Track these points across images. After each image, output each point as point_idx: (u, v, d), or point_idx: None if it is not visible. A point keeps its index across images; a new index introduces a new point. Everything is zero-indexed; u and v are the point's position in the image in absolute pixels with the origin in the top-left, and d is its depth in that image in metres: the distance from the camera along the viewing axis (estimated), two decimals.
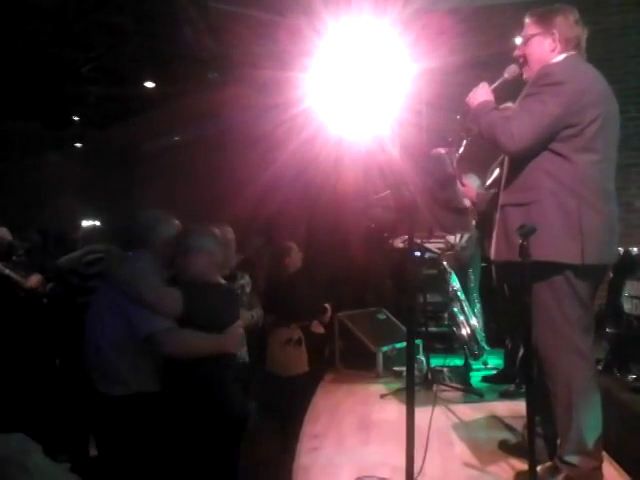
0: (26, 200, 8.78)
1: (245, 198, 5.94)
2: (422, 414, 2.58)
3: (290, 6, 5.42)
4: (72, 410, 3.98)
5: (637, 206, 5.79)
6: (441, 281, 4.59)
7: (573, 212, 2.40)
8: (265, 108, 6.51)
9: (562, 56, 2.55)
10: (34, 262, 4.89)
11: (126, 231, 2.85)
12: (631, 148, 5.40)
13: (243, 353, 3.38)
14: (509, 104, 2.85)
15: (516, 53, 2.69)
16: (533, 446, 2.17)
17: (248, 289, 3.86)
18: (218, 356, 2.51)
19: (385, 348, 4.65)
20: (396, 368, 4.54)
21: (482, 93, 2.64)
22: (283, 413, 3.96)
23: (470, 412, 3.66)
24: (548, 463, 2.54)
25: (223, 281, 2.76)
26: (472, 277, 4.97)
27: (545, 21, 2.58)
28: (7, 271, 4.37)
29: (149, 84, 7.57)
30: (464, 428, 3.39)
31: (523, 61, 2.66)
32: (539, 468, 2.40)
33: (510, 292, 3.87)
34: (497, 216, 2.66)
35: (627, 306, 3.69)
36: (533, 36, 2.60)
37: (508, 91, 2.74)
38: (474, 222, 3.73)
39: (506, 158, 2.67)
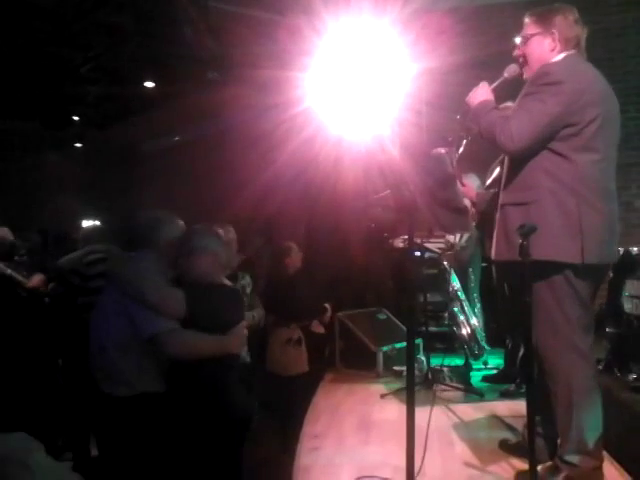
0: (26, 200, 8.78)
1: (245, 198, 5.94)
2: (422, 414, 2.58)
3: (290, 6, 5.42)
4: (74, 410, 3.99)
5: (637, 205, 5.79)
6: (441, 281, 4.60)
7: (573, 211, 2.40)
8: (265, 108, 6.51)
9: (562, 55, 2.55)
10: (36, 262, 4.90)
11: (129, 231, 2.84)
12: (631, 147, 5.39)
13: (244, 354, 3.38)
14: (509, 103, 2.85)
15: (516, 53, 2.69)
16: (533, 446, 2.17)
17: (249, 289, 3.87)
18: (221, 357, 2.51)
19: (385, 348, 4.65)
20: (396, 368, 4.54)
21: (482, 92, 2.65)
22: (283, 413, 3.96)
23: (470, 412, 3.66)
24: (549, 463, 2.54)
25: (228, 282, 2.76)
26: (472, 277, 4.96)
27: (544, 21, 2.58)
28: (9, 271, 4.37)
29: (149, 84, 7.57)
30: (464, 428, 3.39)
31: (523, 61, 2.66)
32: (539, 468, 2.40)
33: (510, 292, 3.87)
34: (497, 216, 2.66)
35: (627, 306, 3.69)
36: (533, 36, 2.60)
37: (508, 91, 2.74)
38: (474, 222, 3.74)
39: (506, 157, 2.67)
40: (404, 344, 3.53)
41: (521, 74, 2.68)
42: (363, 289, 5.90)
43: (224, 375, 2.54)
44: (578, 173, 2.42)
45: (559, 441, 2.52)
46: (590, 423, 2.42)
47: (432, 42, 4.96)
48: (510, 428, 3.30)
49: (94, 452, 3.92)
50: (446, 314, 4.61)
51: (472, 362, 4.38)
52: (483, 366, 4.55)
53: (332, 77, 4.33)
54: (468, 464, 2.84)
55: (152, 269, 2.55)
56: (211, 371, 2.48)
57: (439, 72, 4.71)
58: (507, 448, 2.92)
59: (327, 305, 4.74)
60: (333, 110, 4.50)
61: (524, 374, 3.48)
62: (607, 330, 3.80)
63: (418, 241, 4.08)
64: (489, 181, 3.90)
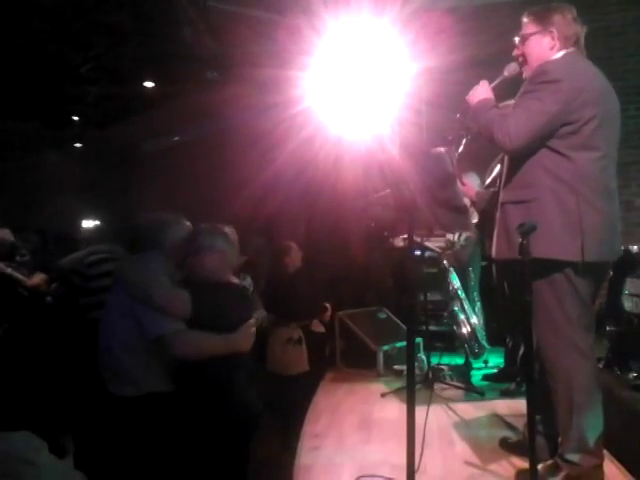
0: (26, 200, 8.77)
1: (245, 197, 5.94)
2: (423, 413, 2.58)
3: (289, 5, 5.42)
4: (75, 409, 3.99)
5: (637, 204, 5.79)
6: (441, 280, 4.60)
7: (573, 209, 2.40)
8: (265, 107, 6.51)
9: (561, 53, 2.55)
10: (38, 262, 4.91)
11: (133, 233, 2.85)
12: (631, 146, 5.39)
13: None
14: (510, 102, 2.85)
15: (515, 53, 2.68)
16: (534, 444, 2.17)
17: (250, 291, 3.87)
18: (227, 356, 2.51)
19: (386, 347, 4.65)
20: (397, 367, 4.54)
21: (482, 91, 2.65)
22: (284, 412, 3.95)
23: (471, 410, 3.66)
24: (549, 461, 2.54)
25: (235, 280, 2.76)
26: (472, 275, 4.96)
27: (543, 19, 2.58)
28: (9, 270, 4.38)
29: (148, 84, 7.56)
30: (465, 426, 3.39)
31: (522, 60, 2.66)
32: (540, 466, 2.41)
33: (510, 290, 3.87)
34: (497, 214, 2.66)
35: (627, 304, 3.69)
36: (531, 35, 2.60)
37: (508, 89, 2.74)
38: (474, 221, 3.74)
39: (506, 156, 2.68)
40: (404, 343, 3.53)
41: (521, 73, 2.68)
42: (363, 288, 5.91)
43: (230, 374, 2.54)
44: (578, 171, 2.42)
45: (560, 440, 2.52)
46: (591, 422, 2.42)
47: (431, 41, 4.96)
48: (510, 427, 3.30)
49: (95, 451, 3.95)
50: (446, 313, 4.61)
51: (472, 361, 4.38)
52: (483, 365, 4.55)
53: (332, 76, 4.34)
54: (469, 463, 2.84)
55: (158, 271, 2.56)
56: (217, 370, 2.48)
57: (439, 71, 4.71)
58: (507, 447, 2.92)
59: (327, 304, 4.74)
60: (333, 109, 4.51)
61: (524, 373, 3.48)
62: (607, 328, 3.81)
63: (418, 240, 4.08)
64: (489, 180, 3.90)
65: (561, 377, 2.46)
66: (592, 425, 2.43)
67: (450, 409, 3.68)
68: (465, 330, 4.36)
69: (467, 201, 3.07)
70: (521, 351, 3.93)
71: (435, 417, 3.40)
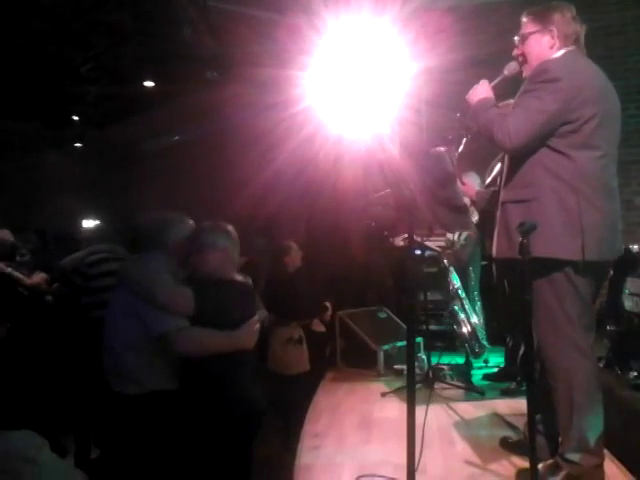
0: (26, 200, 8.78)
1: (245, 197, 5.94)
2: (423, 412, 2.58)
3: (289, 4, 5.41)
4: (76, 408, 4.00)
5: (637, 203, 5.79)
6: (442, 279, 4.60)
7: (573, 209, 2.39)
8: (265, 107, 6.52)
9: (561, 52, 2.54)
10: (39, 262, 4.92)
11: (135, 232, 2.85)
12: (631, 145, 5.39)
13: None
14: (510, 101, 2.84)
15: (515, 52, 2.68)
16: (534, 444, 2.17)
17: None
18: (231, 353, 2.51)
19: (386, 346, 4.65)
20: (397, 366, 4.54)
21: (482, 90, 2.64)
22: (284, 412, 3.96)
23: (471, 410, 3.66)
24: (549, 461, 2.54)
25: (239, 277, 2.76)
26: (472, 275, 4.96)
27: (542, 19, 2.58)
28: (8, 269, 4.39)
29: (148, 83, 7.56)
30: (465, 426, 3.39)
31: (522, 60, 2.66)
32: (540, 466, 2.41)
33: (511, 289, 3.87)
34: (498, 213, 2.66)
35: (628, 304, 3.69)
36: (531, 34, 2.59)
37: (508, 88, 2.74)
38: (475, 221, 3.74)
39: (506, 155, 2.67)
40: (405, 343, 3.53)
41: (521, 72, 2.68)
42: (363, 288, 5.90)
43: (234, 371, 2.54)
44: (578, 170, 2.41)
45: (560, 439, 2.52)
46: (591, 421, 2.42)
47: (431, 41, 4.97)
48: (511, 426, 3.30)
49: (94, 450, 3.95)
50: (446, 312, 4.61)
51: (473, 360, 4.38)
52: (484, 364, 4.55)
53: (332, 76, 4.34)
54: (469, 462, 2.84)
55: (161, 269, 2.56)
56: (220, 368, 2.48)
57: (438, 71, 4.71)
58: (508, 446, 2.92)
59: (327, 303, 4.74)
60: (333, 109, 4.51)
61: (525, 372, 3.48)
62: (607, 328, 3.81)
63: (418, 239, 4.08)
64: (489, 179, 3.90)
65: (561, 376, 2.46)
66: (592, 424, 2.42)
67: (450, 409, 3.67)
68: (465, 329, 4.36)
69: (467, 200, 3.07)
70: (521, 350, 3.93)
71: (435, 417, 3.40)
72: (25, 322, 4.42)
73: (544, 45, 2.56)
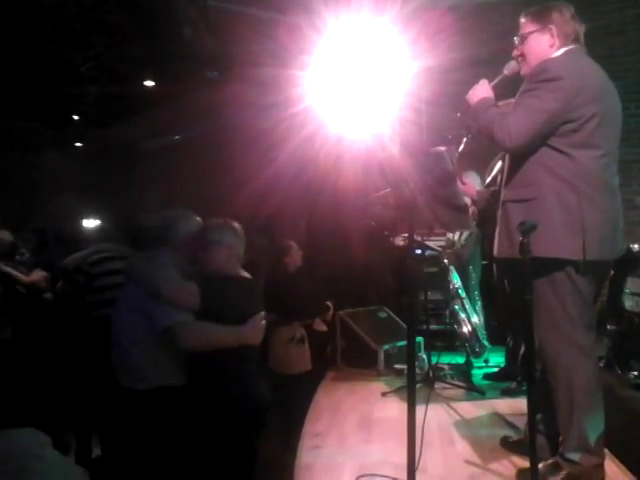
0: (26, 200, 8.78)
1: (245, 196, 5.94)
2: (423, 412, 2.58)
3: (290, 4, 5.41)
4: (83, 405, 4.01)
5: (638, 203, 5.78)
6: (442, 279, 4.59)
7: (574, 208, 2.39)
8: (265, 106, 6.51)
9: (561, 51, 2.54)
10: (39, 261, 4.93)
11: (140, 231, 2.87)
12: (631, 145, 5.38)
13: None
14: (510, 101, 2.84)
15: (515, 53, 2.67)
16: (534, 443, 2.17)
17: None
18: (236, 348, 2.52)
19: (386, 346, 4.65)
20: (397, 366, 4.54)
21: (482, 90, 2.64)
22: (286, 411, 3.96)
23: (472, 409, 3.66)
24: (550, 460, 2.54)
25: (245, 274, 2.77)
26: (473, 274, 4.96)
27: (541, 18, 2.57)
28: (7, 268, 4.39)
29: (149, 83, 7.57)
30: (466, 426, 3.39)
31: (522, 60, 2.65)
32: (541, 465, 2.41)
33: (511, 289, 3.87)
34: (499, 212, 2.66)
35: (628, 303, 3.69)
36: (530, 33, 2.59)
37: (507, 88, 2.74)
38: (474, 220, 3.74)
39: (507, 154, 2.67)
40: (405, 342, 3.53)
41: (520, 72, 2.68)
42: (364, 287, 5.90)
43: (238, 367, 2.55)
44: (579, 169, 2.41)
45: (560, 439, 2.52)
46: (591, 421, 2.42)
47: (432, 40, 4.96)
48: (511, 426, 3.29)
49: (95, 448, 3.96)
50: (447, 312, 4.61)
51: (473, 360, 4.38)
52: (484, 364, 4.55)
53: (332, 75, 4.33)
54: (469, 462, 2.83)
55: (167, 264, 2.60)
56: (225, 363, 2.49)
57: (439, 70, 4.71)
58: (508, 446, 2.91)
59: (329, 303, 4.74)
60: (333, 108, 4.51)
61: (525, 372, 3.48)
62: (608, 327, 3.81)
63: (418, 239, 4.08)
64: (489, 179, 3.89)
65: (562, 376, 2.46)
66: (593, 424, 2.42)
67: (451, 408, 3.67)
68: (466, 329, 4.35)
69: (468, 200, 3.07)
70: (522, 350, 3.93)
71: (436, 416, 3.40)
72: (25, 321, 4.42)
73: (544, 44, 2.56)
